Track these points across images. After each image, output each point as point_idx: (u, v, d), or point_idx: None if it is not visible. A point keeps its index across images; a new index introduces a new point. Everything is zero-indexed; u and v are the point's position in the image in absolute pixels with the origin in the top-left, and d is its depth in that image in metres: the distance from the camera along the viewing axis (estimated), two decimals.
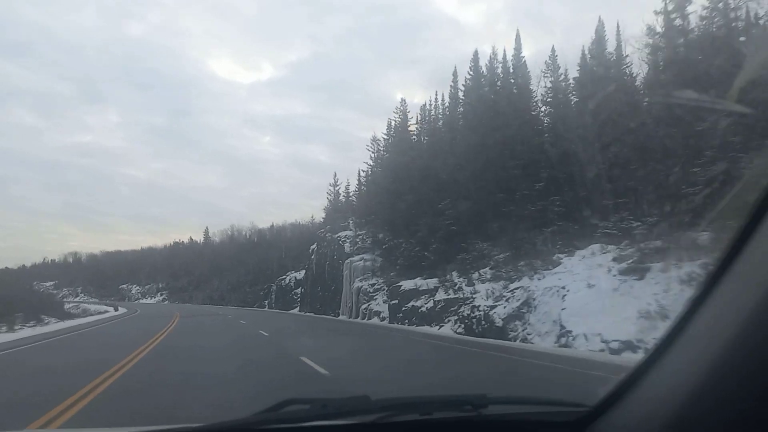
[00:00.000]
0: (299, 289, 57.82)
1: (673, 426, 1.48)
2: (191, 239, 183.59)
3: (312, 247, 51.08)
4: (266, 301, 73.89)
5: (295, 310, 56.25)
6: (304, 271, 55.42)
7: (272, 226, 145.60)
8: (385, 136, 47.45)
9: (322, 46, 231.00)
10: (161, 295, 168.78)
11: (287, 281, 63.39)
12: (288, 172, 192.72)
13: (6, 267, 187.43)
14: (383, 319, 31.78)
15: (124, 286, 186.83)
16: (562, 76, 33.95)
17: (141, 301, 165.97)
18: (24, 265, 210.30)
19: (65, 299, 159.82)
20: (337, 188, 54.27)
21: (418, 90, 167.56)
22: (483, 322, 21.31)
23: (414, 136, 43.30)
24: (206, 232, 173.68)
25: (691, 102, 15.00)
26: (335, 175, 67.28)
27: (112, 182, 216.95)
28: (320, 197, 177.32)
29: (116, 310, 73.18)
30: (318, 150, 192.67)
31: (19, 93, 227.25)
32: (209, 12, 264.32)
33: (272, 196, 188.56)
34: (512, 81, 35.97)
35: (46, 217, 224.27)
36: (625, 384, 1.80)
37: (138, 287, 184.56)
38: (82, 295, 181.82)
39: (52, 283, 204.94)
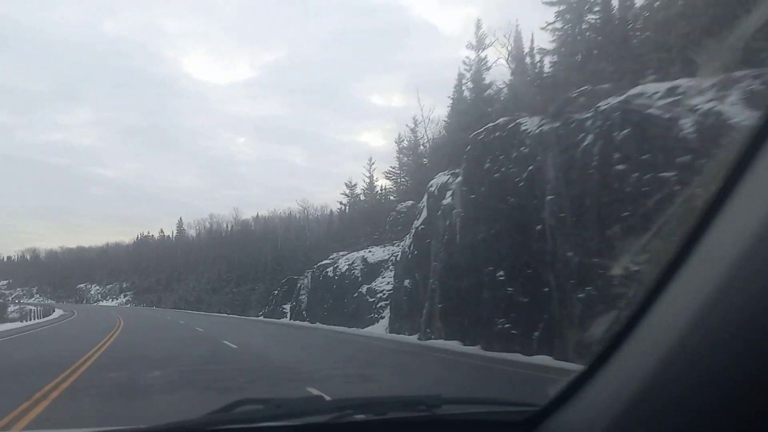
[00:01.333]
0: (386, 282, 26.87)
1: (619, 426, 1.47)
2: (162, 233, 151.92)
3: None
4: (288, 306, 41.70)
5: (379, 329, 25.38)
6: (408, 238, 23.06)
7: (257, 216, 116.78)
8: None
9: (301, 49, 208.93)
10: (125, 296, 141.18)
11: (342, 267, 31.86)
12: (264, 174, 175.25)
13: None
14: None
15: (82, 285, 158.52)
16: None
17: (101, 303, 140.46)
18: None
19: (19, 300, 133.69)
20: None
21: (395, 95, 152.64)
22: None
23: None
24: (180, 224, 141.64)
25: None
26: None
27: (84, 181, 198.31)
28: (295, 199, 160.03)
29: (25, 320, 42.46)
30: (295, 152, 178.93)
31: None
32: (185, 10, 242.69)
33: (248, 199, 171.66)
34: None
35: (13, 216, 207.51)
36: (575, 383, 1.72)
37: (98, 287, 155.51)
38: (37, 295, 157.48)
39: (5, 282, 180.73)
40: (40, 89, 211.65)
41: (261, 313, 49.21)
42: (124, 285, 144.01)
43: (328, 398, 2.26)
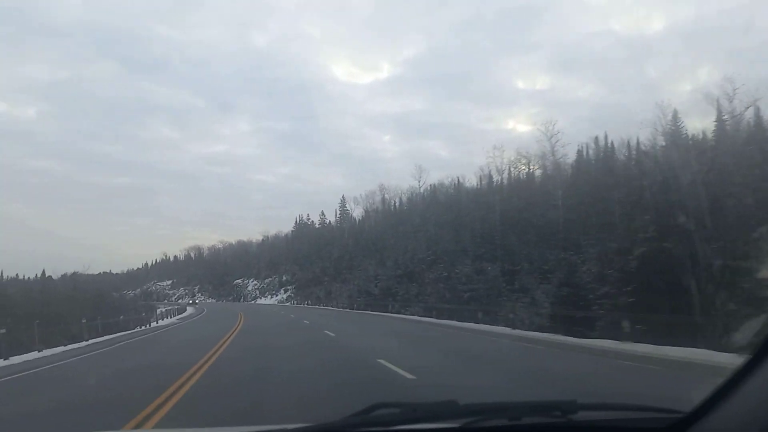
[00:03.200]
0: None
1: None
2: (322, 215, 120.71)
3: None
4: None
5: None
6: None
7: (432, 186, 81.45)
8: None
9: (437, 39, 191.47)
10: (285, 291, 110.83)
11: None
12: (408, 169, 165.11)
13: (128, 269, 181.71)
14: None
15: (239, 281, 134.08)
16: None
17: (259, 300, 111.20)
18: (146, 264, 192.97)
19: (180, 300, 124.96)
20: None
21: (539, 75, 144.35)
22: None
23: None
24: (342, 202, 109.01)
25: None
26: None
27: (244, 188, 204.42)
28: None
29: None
30: (437, 145, 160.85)
31: (157, 109, 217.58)
32: (326, 16, 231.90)
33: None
34: None
35: (187, 225, 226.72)
36: (723, 389, 1.60)
37: (255, 282, 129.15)
38: (199, 294, 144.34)
39: (169, 281, 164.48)
40: (202, 105, 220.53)
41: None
42: (284, 278, 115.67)
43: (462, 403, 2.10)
